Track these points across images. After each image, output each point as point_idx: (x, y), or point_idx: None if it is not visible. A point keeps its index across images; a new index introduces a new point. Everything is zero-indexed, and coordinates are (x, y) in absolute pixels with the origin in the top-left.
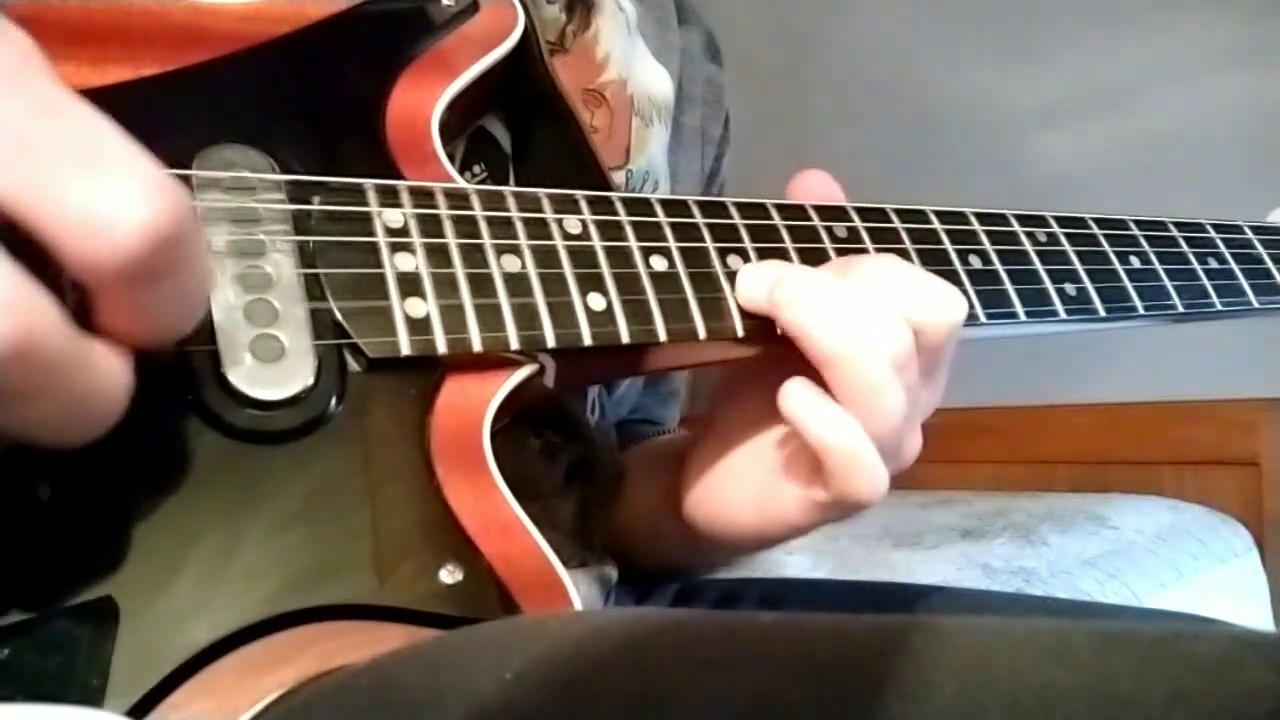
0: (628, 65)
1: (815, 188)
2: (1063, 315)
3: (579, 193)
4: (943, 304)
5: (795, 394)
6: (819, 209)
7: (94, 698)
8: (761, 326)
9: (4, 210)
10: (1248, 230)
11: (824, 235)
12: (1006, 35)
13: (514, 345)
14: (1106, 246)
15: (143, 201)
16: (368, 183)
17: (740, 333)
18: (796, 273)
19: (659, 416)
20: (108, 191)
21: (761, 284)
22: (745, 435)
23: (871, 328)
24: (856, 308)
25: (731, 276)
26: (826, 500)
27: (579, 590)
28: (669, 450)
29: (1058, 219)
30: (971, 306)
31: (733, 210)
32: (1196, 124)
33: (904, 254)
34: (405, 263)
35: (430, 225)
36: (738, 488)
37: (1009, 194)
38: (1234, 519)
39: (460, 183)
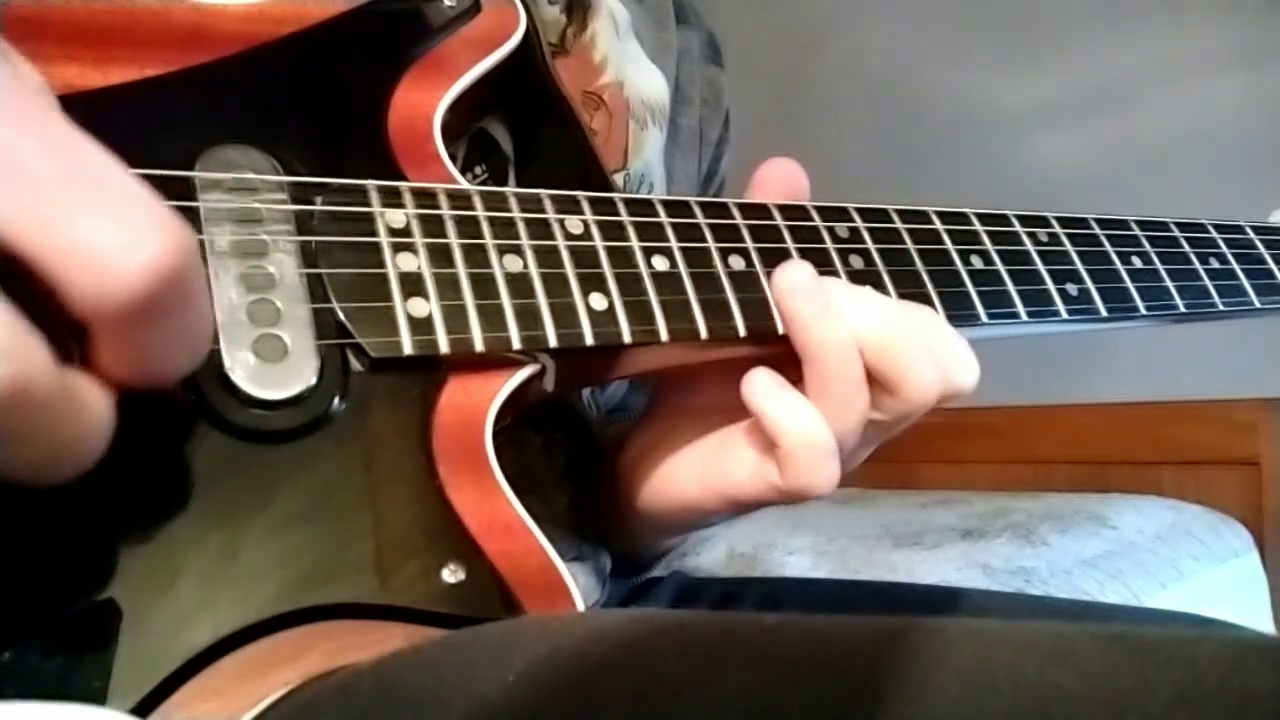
0: (621, 68)
1: (780, 176)
2: (1064, 315)
3: (580, 193)
4: (969, 368)
5: (759, 383)
6: (820, 209)
7: (96, 700)
8: (764, 328)
9: (6, 244)
10: (1249, 230)
11: (825, 235)
12: (1006, 35)
13: (516, 345)
14: (1108, 247)
15: (150, 239)
16: (370, 183)
17: (742, 332)
18: (801, 268)
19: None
20: (115, 228)
21: (778, 279)
22: (696, 413)
23: (853, 329)
24: (846, 306)
25: (733, 276)
26: (778, 483)
27: (576, 583)
28: (611, 436)
29: (1059, 219)
30: (973, 307)
31: (734, 210)
32: (1196, 124)
33: (905, 254)
34: (407, 263)
35: (432, 225)
36: (683, 459)
37: (1010, 194)
38: (1234, 519)
39: (462, 183)
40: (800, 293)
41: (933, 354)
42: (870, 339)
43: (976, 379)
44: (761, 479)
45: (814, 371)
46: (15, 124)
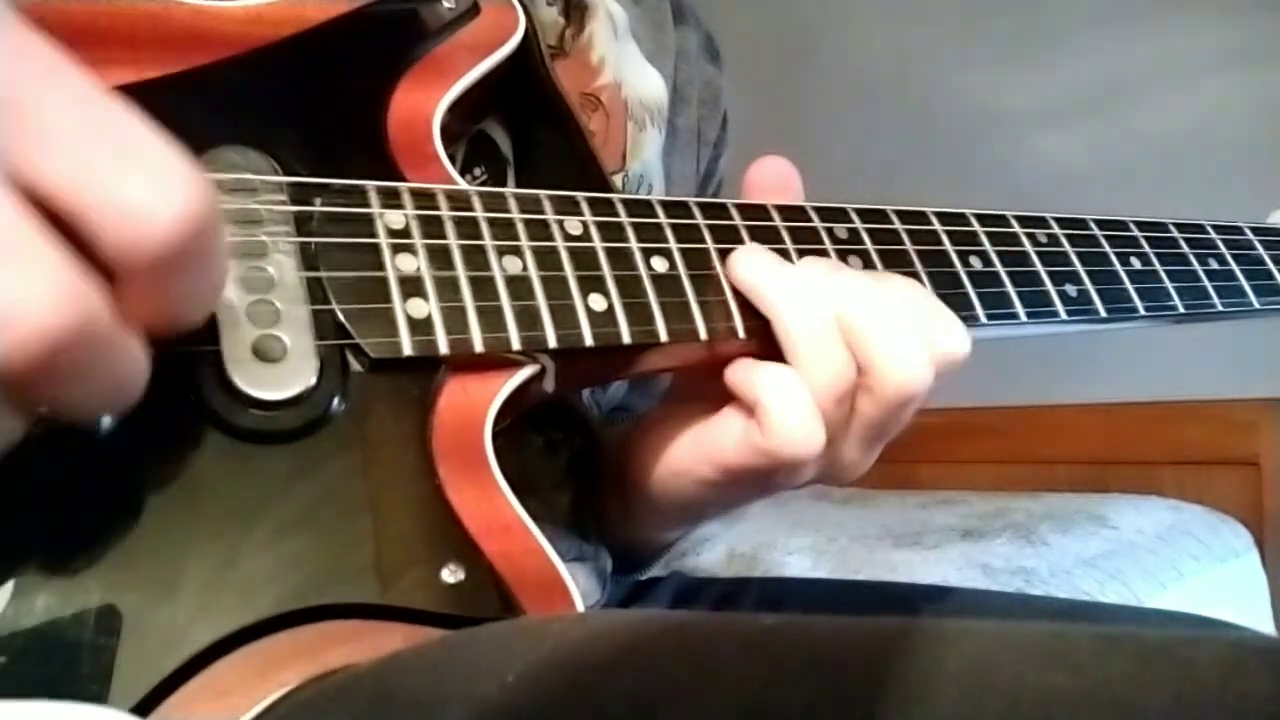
0: (619, 69)
1: (770, 175)
2: (1063, 316)
3: (580, 194)
4: (958, 336)
5: (737, 363)
6: (819, 210)
7: (96, 700)
8: (762, 327)
9: (46, 198)
10: (1248, 231)
11: (824, 236)
12: (1006, 35)
13: (515, 345)
14: (1107, 247)
15: (179, 192)
16: (369, 184)
17: (742, 334)
18: (751, 246)
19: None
20: (146, 183)
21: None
22: (702, 398)
23: (819, 286)
24: (809, 272)
25: None
26: (760, 442)
27: (577, 584)
28: (617, 430)
29: (1058, 220)
30: (972, 308)
31: (733, 211)
32: (1196, 124)
33: (904, 255)
34: (407, 264)
35: (432, 226)
36: (681, 432)
37: (1009, 195)
38: (1234, 519)
39: (461, 184)
40: (745, 261)
41: (915, 328)
42: (839, 309)
43: (966, 346)
44: (746, 441)
45: (779, 327)
46: (43, 85)
